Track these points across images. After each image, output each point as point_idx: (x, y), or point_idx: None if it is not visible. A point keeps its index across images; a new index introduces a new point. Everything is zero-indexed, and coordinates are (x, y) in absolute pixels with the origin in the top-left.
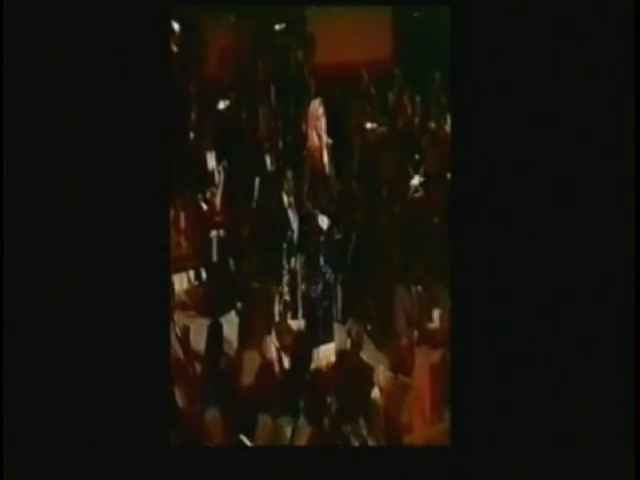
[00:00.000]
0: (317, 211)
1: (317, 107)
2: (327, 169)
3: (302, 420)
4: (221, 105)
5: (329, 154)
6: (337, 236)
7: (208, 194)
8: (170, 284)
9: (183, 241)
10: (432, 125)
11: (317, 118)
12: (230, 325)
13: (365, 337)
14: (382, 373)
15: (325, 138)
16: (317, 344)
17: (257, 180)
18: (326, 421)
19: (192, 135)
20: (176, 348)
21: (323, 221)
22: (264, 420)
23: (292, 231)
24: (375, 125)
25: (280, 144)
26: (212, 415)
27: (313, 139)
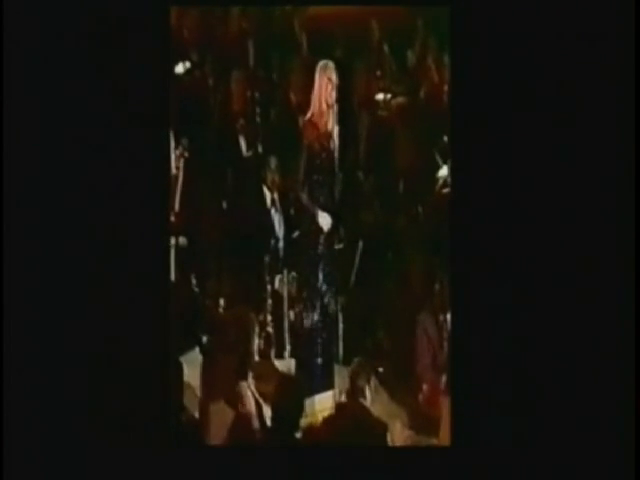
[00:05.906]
0: (316, 207)
1: (330, 67)
2: (336, 151)
3: None
4: (180, 68)
5: (340, 132)
6: (338, 245)
7: None
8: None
9: None
10: None
11: (328, 79)
12: (192, 366)
13: (375, 383)
14: (398, 431)
15: (336, 109)
16: (311, 392)
17: (229, 170)
18: None
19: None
20: None
21: (324, 219)
22: None
23: (277, 239)
24: (389, 96)
25: (259, 121)
26: None
27: (320, 106)
